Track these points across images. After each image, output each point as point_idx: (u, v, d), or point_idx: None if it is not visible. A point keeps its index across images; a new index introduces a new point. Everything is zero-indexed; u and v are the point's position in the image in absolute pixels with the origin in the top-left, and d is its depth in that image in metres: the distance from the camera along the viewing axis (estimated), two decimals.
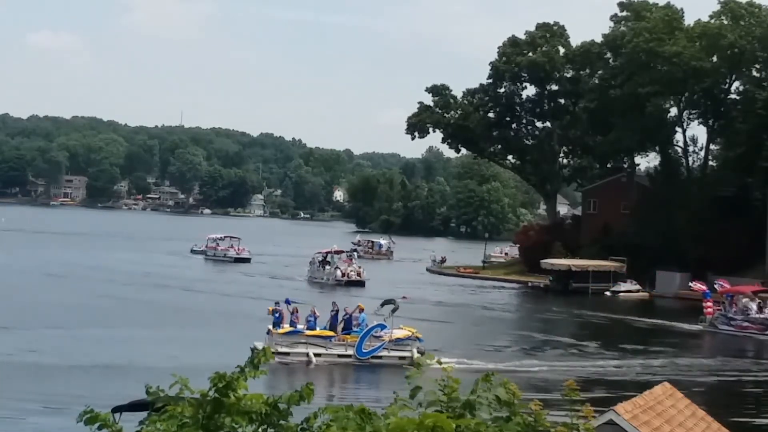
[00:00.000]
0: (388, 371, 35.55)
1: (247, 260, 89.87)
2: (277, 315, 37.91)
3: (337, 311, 39.07)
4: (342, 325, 38.22)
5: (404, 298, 39.56)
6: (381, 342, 37.32)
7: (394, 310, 37.96)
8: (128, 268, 74.63)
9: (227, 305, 56.38)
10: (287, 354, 36.75)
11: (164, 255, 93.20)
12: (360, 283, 72.17)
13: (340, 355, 37.28)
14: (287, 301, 39.14)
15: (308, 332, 37.57)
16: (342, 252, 79.52)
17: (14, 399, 28.63)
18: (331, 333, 37.78)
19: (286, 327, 37.46)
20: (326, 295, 67.54)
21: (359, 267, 75.90)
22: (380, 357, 37.21)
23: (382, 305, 39.14)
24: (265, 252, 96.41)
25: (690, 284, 63.94)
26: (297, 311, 38.23)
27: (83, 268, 73.43)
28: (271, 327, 37.61)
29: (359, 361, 36.86)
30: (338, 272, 73.57)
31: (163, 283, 65.55)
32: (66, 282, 63.90)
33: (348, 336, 37.72)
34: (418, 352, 36.87)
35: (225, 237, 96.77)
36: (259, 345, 36.87)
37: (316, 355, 36.81)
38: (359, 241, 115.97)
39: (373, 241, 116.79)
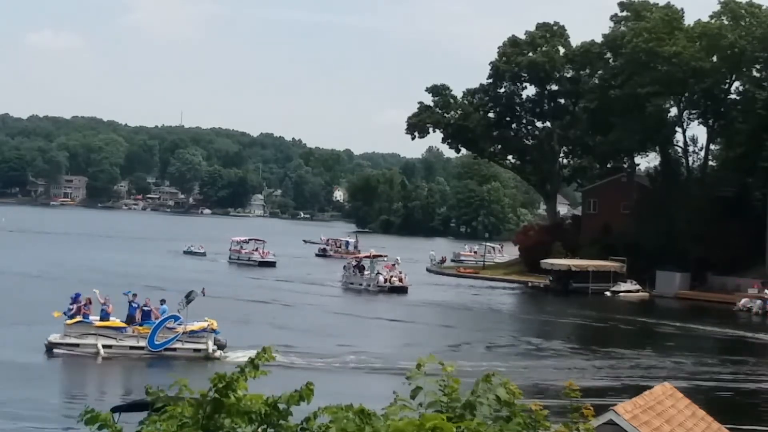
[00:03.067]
0: (182, 364, 35.22)
1: (272, 264, 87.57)
2: (72, 306, 37.01)
3: (137, 302, 38.08)
4: (140, 316, 37.39)
5: (203, 291, 39.02)
6: (174, 334, 36.65)
7: (189, 301, 37.38)
8: (127, 269, 73.27)
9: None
10: (76, 345, 36.19)
11: (162, 256, 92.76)
12: (403, 290, 69.82)
13: (131, 347, 36.53)
14: (76, 296, 37.72)
15: (98, 323, 36.74)
16: (380, 256, 76.21)
17: None
18: (121, 324, 36.91)
19: (78, 317, 36.68)
20: (368, 302, 66.59)
21: (401, 272, 72.34)
22: (174, 349, 36.54)
23: (186, 297, 38.15)
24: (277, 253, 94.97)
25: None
26: (90, 302, 37.44)
27: (69, 268, 72.12)
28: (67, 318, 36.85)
29: (152, 353, 36.19)
30: (380, 278, 70.62)
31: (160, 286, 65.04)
32: (41, 282, 62.94)
33: (141, 327, 36.88)
34: (216, 344, 36.64)
35: (249, 240, 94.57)
36: (53, 338, 36.32)
37: (105, 346, 36.11)
38: (327, 240, 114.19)
39: (341, 240, 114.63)
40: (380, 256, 76.01)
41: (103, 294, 38.33)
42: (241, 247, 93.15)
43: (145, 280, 66.11)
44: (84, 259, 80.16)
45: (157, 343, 36.44)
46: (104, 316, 37.00)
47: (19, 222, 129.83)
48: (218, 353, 36.51)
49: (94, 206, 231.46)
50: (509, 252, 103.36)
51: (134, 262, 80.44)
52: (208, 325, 37.02)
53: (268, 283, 72.17)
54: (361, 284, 71.70)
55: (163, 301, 38.54)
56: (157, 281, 64.26)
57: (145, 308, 37.69)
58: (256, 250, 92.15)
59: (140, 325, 37.01)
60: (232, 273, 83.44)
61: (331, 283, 73.58)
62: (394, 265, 73.94)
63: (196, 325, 36.98)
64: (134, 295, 38.74)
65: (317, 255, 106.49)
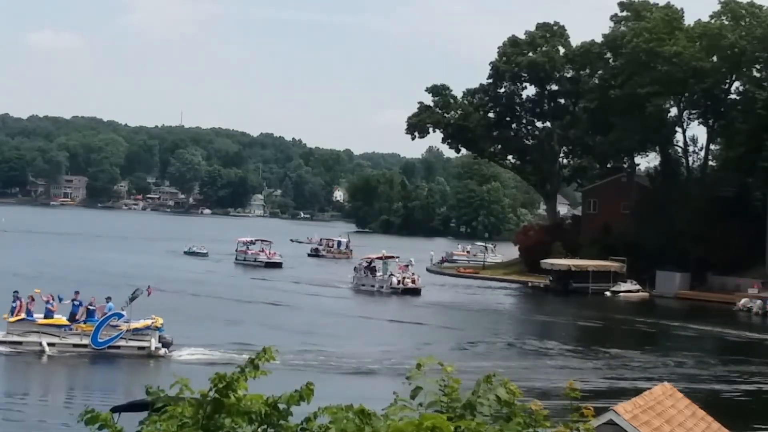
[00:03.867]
0: (125, 362, 35.46)
1: (278, 265, 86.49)
2: (14, 304, 36.92)
3: (78, 300, 37.98)
4: (84, 314, 37.35)
5: (149, 289, 38.78)
6: (118, 331, 36.61)
7: (133, 299, 37.27)
8: (128, 270, 72.74)
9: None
10: (19, 343, 36.13)
11: (164, 256, 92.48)
12: (416, 291, 68.72)
13: (75, 345, 36.54)
14: (16, 293, 37.68)
15: (41, 320, 36.59)
16: (393, 257, 74.11)
17: None
18: (65, 321, 36.82)
19: (21, 315, 36.55)
20: (377, 303, 65.72)
21: (413, 273, 71.29)
22: (118, 347, 36.53)
23: (131, 295, 37.85)
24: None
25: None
26: (33, 299, 37.36)
27: (71, 268, 71.43)
28: (7, 314, 36.80)
29: (95, 351, 36.24)
30: (394, 279, 69.32)
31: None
32: (38, 283, 62.17)
33: (84, 325, 36.83)
34: (161, 342, 36.64)
35: (256, 240, 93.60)
36: None
37: (49, 344, 36.07)
38: (320, 240, 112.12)
39: (333, 240, 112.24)
40: (392, 257, 74.35)
41: (46, 293, 38.22)
42: (248, 247, 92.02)
43: (152, 281, 65.21)
44: (86, 260, 79.57)
45: (100, 340, 36.45)
46: (48, 314, 36.96)
47: (18, 222, 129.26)
48: (162, 351, 36.54)
49: (94, 206, 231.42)
50: (502, 252, 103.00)
51: (137, 263, 79.92)
52: (152, 322, 36.95)
53: (275, 285, 71.14)
54: (373, 286, 70.34)
55: (108, 299, 38.44)
56: (164, 282, 63.60)
57: (90, 307, 37.57)
58: (263, 250, 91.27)
59: (84, 322, 37.03)
60: (237, 274, 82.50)
61: (340, 284, 72.33)
62: (407, 266, 72.50)
63: (139, 323, 36.94)
64: (77, 292, 38.66)
65: (309, 255, 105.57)
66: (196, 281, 68.97)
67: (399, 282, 69.11)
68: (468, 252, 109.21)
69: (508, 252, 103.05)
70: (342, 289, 70.59)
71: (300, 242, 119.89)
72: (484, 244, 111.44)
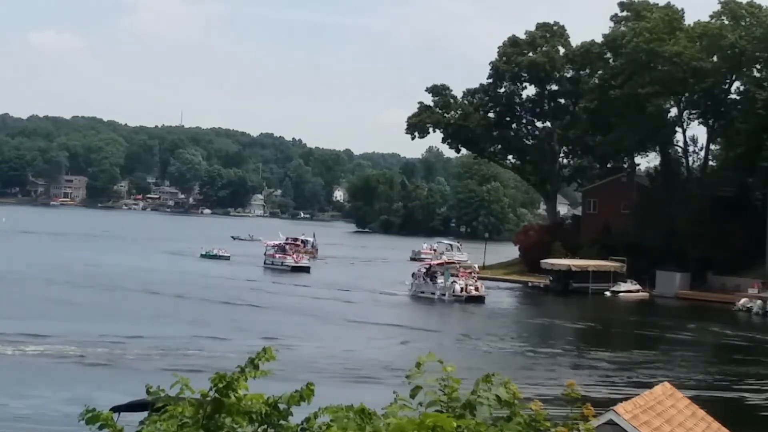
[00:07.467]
0: None
1: (306, 269, 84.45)
2: None
3: None
4: None
5: None
6: None
7: None
8: (165, 277, 70.20)
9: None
10: None
11: (190, 260, 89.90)
12: (480, 299, 65.25)
13: None
14: None
15: None
16: (452, 263, 70.82)
17: None
18: None
19: None
20: (442, 313, 62.85)
21: (476, 280, 67.92)
22: None
23: None
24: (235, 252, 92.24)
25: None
26: None
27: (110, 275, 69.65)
28: None
29: None
30: (457, 287, 65.39)
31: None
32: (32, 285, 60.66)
33: None
34: None
35: (286, 244, 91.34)
36: None
37: None
38: (286, 238, 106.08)
39: (300, 239, 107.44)
40: (452, 263, 71.06)
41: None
42: (276, 251, 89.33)
43: (189, 288, 63.08)
44: (131, 269, 75.58)
45: None
46: None
47: (17, 222, 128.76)
48: None
49: (94, 206, 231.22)
50: (468, 250, 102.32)
51: (155, 268, 77.90)
52: None
53: (317, 292, 66.65)
54: (433, 293, 66.33)
55: None
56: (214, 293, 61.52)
57: None
58: (291, 253, 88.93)
59: None
60: (268, 279, 78.89)
61: (398, 291, 68.39)
62: (471, 272, 69.39)
63: None
64: None
65: None
66: (247, 289, 65.63)
67: (462, 289, 65.39)
68: (434, 250, 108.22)
69: (468, 249, 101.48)
70: (399, 296, 66.74)
71: (241, 239, 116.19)
72: (450, 242, 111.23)
